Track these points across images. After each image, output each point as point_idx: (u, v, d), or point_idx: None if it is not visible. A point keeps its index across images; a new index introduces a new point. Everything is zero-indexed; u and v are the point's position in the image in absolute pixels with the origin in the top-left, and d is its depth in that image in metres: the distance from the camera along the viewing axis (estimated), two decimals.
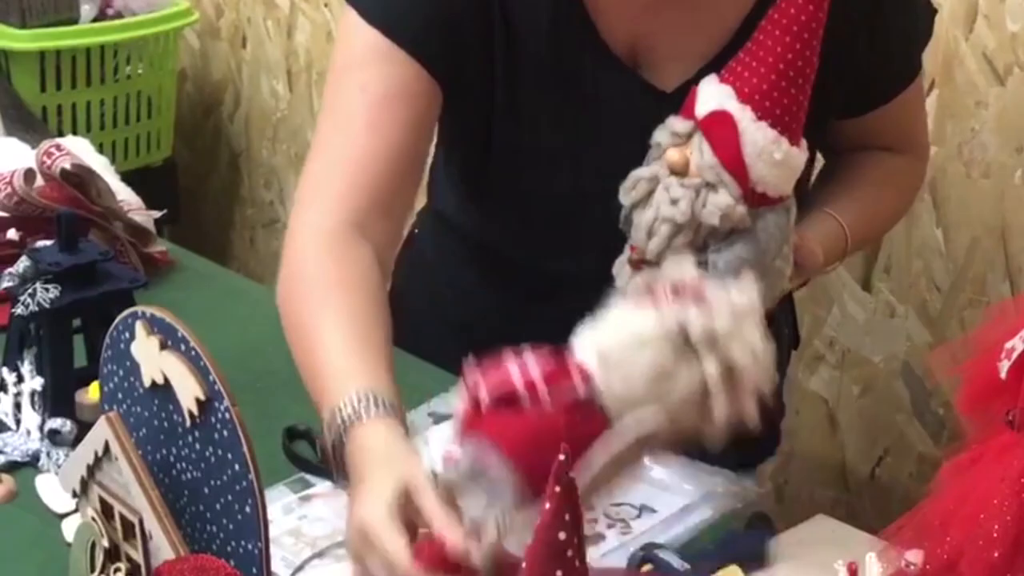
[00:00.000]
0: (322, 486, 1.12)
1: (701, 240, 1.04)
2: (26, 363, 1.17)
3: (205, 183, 2.78)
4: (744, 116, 1.02)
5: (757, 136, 1.02)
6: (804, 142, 1.06)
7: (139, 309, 0.87)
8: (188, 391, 0.81)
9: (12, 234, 1.48)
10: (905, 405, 1.79)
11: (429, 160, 1.28)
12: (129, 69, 2.40)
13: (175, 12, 2.43)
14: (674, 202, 1.03)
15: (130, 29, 2.35)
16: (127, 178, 1.67)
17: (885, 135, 1.30)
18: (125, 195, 1.61)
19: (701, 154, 1.03)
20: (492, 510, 0.84)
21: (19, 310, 1.14)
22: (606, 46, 1.17)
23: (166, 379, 0.83)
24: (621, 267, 1.09)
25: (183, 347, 0.83)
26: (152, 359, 0.83)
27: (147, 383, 0.85)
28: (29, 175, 1.47)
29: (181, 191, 2.63)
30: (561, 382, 0.86)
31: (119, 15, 2.37)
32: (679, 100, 1.09)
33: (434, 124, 1.20)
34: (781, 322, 1.35)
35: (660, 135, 1.06)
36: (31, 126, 2.03)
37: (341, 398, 0.97)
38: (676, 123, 1.05)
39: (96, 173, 1.51)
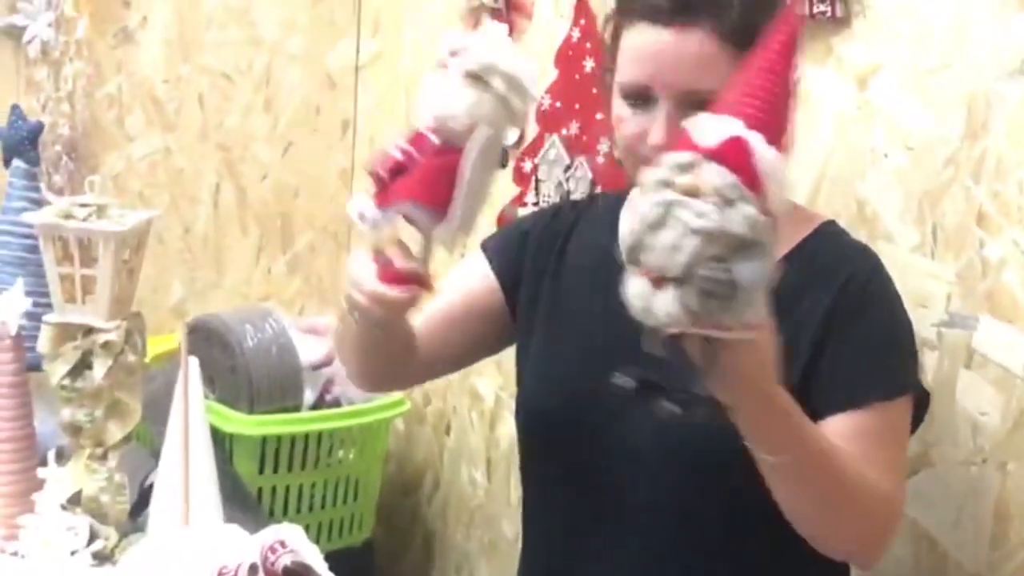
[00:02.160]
0: None
1: (727, 255, 1.08)
2: None
3: (399, 564, 2.83)
4: (756, 141, 1.09)
5: (769, 157, 1.09)
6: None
7: None
8: None
9: None
10: None
11: None
12: (341, 454, 2.50)
13: (389, 402, 2.55)
14: (700, 215, 1.06)
15: (347, 418, 2.48)
16: (328, 559, 1.73)
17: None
18: None
19: (718, 177, 1.07)
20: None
21: None
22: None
23: None
24: (640, 292, 1.10)
25: None
26: None
27: None
28: (253, 570, 1.53)
29: (376, 569, 2.69)
30: (422, 142, 1.33)
31: (336, 402, 2.50)
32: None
33: (492, 318, 1.65)
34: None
35: (658, 172, 1.10)
36: (248, 509, 2.12)
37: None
38: (677, 156, 1.10)
39: (314, 570, 1.57)
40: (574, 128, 2.33)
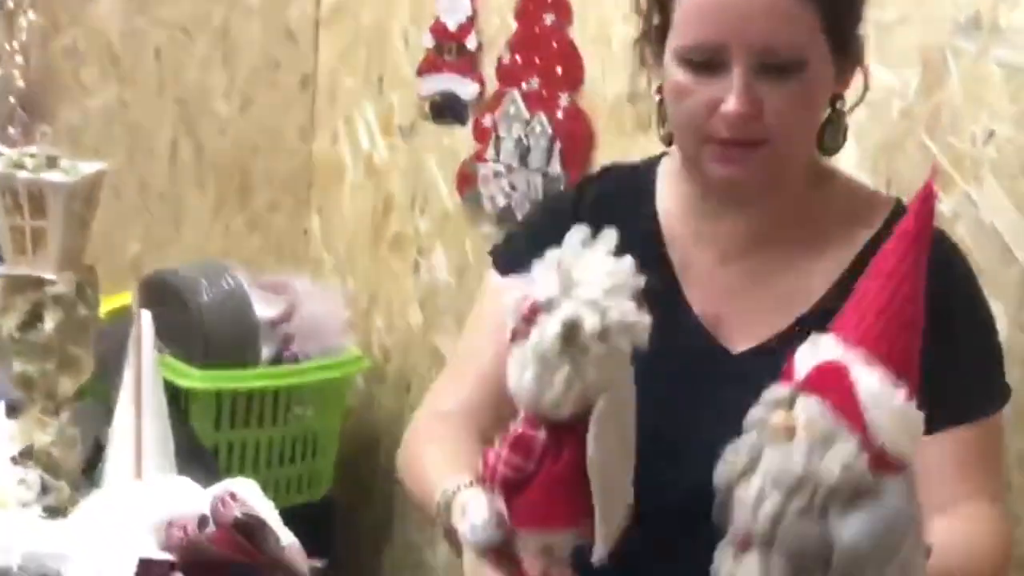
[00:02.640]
0: None
1: (819, 506, 0.90)
2: None
3: (358, 521, 2.83)
4: (854, 361, 0.92)
5: (871, 381, 0.91)
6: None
7: None
8: None
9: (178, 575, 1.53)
10: None
11: None
12: (299, 411, 2.50)
13: (348, 359, 2.55)
14: (784, 462, 0.90)
15: (305, 374, 2.47)
16: (285, 513, 1.72)
17: (942, 475, 1.20)
18: (288, 541, 1.66)
19: (809, 410, 0.91)
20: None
21: None
22: (686, 305, 1.33)
23: None
24: (723, 553, 0.96)
25: None
26: None
27: None
28: (203, 521, 1.53)
29: (335, 526, 2.68)
30: (528, 446, 1.03)
31: (294, 359, 2.49)
32: (744, 362, 1.24)
33: None
34: None
35: (757, 410, 0.96)
36: (202, 464, 2.12)
37: (439, 492, 1.18)
38: (774, 391, 0.96)
39: (266, 523, 1.56)
40: (534, 83, 2.32)
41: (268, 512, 1.68)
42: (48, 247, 1.55)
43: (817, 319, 1.14)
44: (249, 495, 1.68)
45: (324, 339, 2.51)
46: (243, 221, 2.93)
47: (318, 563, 1.65)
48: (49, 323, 1.58)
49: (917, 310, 0.94)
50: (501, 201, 2.40)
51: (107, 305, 1.79)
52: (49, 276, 1.55)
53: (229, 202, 2.90)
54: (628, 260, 1.03)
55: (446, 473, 1.21)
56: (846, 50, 1.27)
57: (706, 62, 1.22)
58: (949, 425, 1.21)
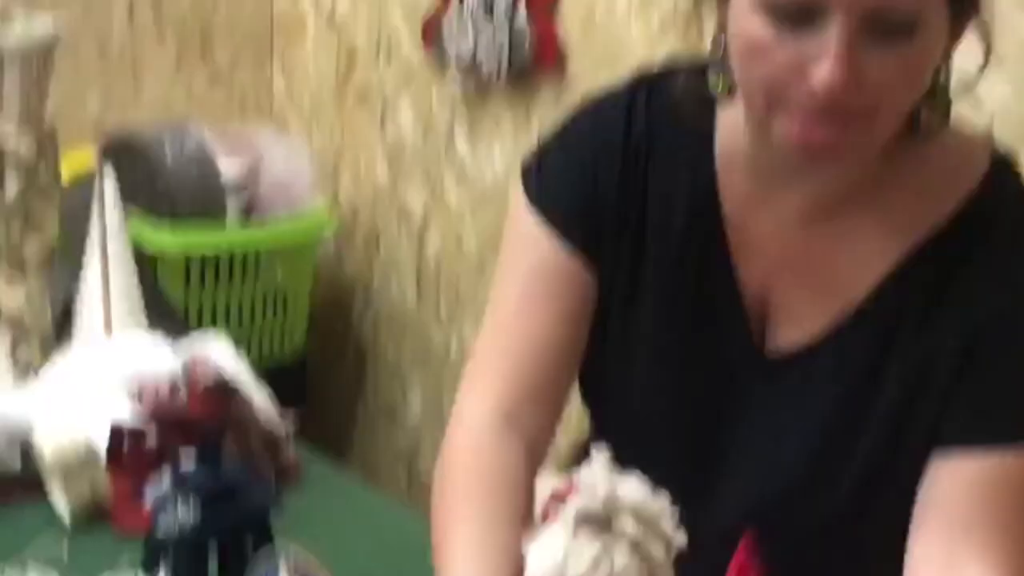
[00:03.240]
0: None
1: None
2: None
3: (332, 377, 2.85)
4: None
5: None
6: None
7: (283, 551, 0.90)
8: None
9: (152, 439, 1.54)
10: None
11: None
12: (268, 269, 2.49)
13: (316, 217, 2.53)
14: None
15: (272, 232, 2.46)
16: (259, 372, 1.73)
17: (964, 513, 1.03)
18: (260, 400, 1.67)
19: None
20: None
21: (159, 530, 1.19)
22: (735, 286, 1.13)
23: None
24: None
25: None
26: None
27: None
28: (174, 385, 1.53)
29: (309, 384, 2.71)
30: None
31: (262, 218, 2.48)
32: (785, 370, 1.09)
33: (588, 312, 1.17)
34: None
35: None
36: (173, 323, 2.12)
37: None
38: None
39: (238, 386, 1.57)
40: None
41: (240, 369, 1.69)
42: (4, 110, 1.52)
43: (869, 312, 1.07)
44: (221, 352, 1.69)
45: (291, 196, 2.49)
46: (205, 77, 2.88)
47: (290, 423, 1.67)
48: (11, 186, 1.56)
49: None
50: (467, 54, 2.37)
51: (69, 163, 1.77)
52: (9, 140, 1.53)
53: (190, 58, 2.85)
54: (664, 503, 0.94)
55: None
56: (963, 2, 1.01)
57: (798, 13, 0.96)
58: (989, 442, 1.04)
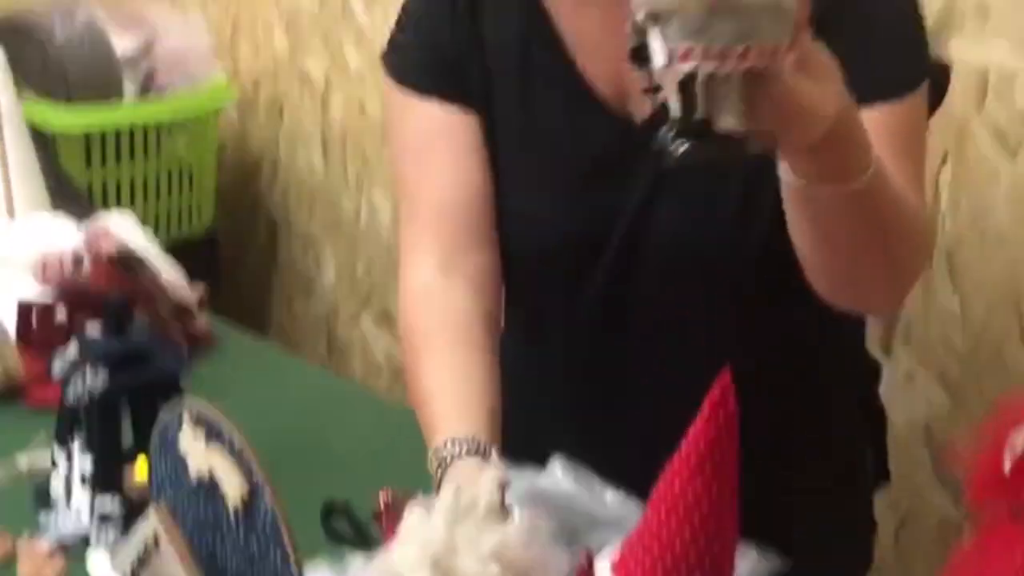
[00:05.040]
0: (360, 560, 1.16)
1: None
2: (76, 444, 1.23)
3: (244, 251, 2.85)
4: None
5: None
6: None
7: (186, 404, 0.93)
8: (234, 488, 0.87)
9: (60, 314, 1.55)
10: (926, 469, 1.83)
11: None
12: (171, 144, 2.48)
13: (215, 89, 2.51)
14: None
15: (172, 106, 2.44)
16: (169, 249, 1.74)
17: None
18: (168, 272, 1.68)
19: None
20: None
21: (69, 398, 1.20)
22: (580, 80, 1.19)
23: (211, 474, 0.89)
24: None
25: (228, 443, 0.89)
26: (198, 454, 0.90)
27: (193, 477, 0.91)
28: (78, 258, 1.53)
29: (221, 260, 2.71)
30: None
31: (161, 89, 2.45)
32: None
33: (481, 148, 1.23)
34: (865, 455, 1.37)
35: None
36: (76, 202, 2.11)
37: (438, 443, 1.07)
38: None
39: (142, 256, 1.57)
40: None
41: (146, 245, 1.69)
42: None
43: None
44: (125, 228, 1.69)
45: (189, 69, 2.46)
46: None
47: (199, 291, 1.67)
48: None
49: (703, 551, 0.89)
50: None
51: None
52: None
53: None
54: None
55: (449, 415, 1.11)
56: None
57: None
58: (876, 100, 1.09)
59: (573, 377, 1.30)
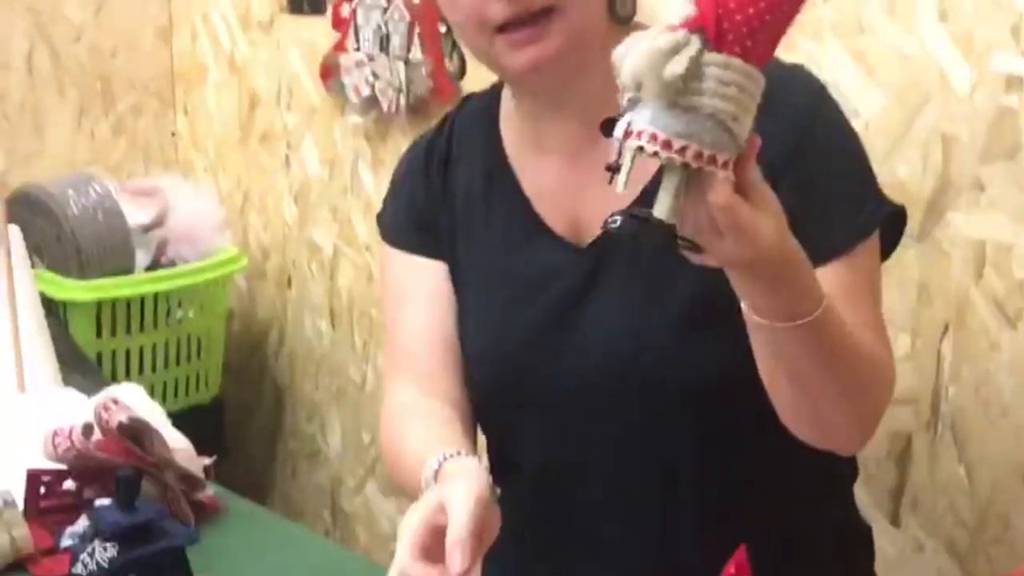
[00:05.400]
0: None
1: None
2: None
3: (250, 418, 2.86)
4: None
5: None
6: None
7: None
8: None
9: (69, 485, 1.55)
10: None
11: None
12: (180, 313, 2.50)
13: (226, 259, 2.55)
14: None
15: (183, 277, 2.47)
16: (176, 417, 1.74)
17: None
18: (176, 441, 1.68)
19: None
20: None
21: (79, 571, 1.20)
22: (543, 222, 1.28)
23: None
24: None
25: None
26: None
27: None
28: (87, 429, 1.54)
29: (227, 426, 2.71)
30: None
31: (172, 263, 2.49)
32: (594, 253, 1.24)
33: (450, 293, 1.34)
34: None
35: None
36: (86, 373, 2.12)
37: (423, 471, 1.15)
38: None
39: (151, 426, 1.58)
40: None
41: (154, 414, 1.70)
42: None
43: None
44: (134, 399, 1.70)
45: (200, 240, 2.50)
46: (108, 127, 2.89)
47: (208, 460, 1.68)
48: None
49: None
50: (365, 90, 2.40)
51: None
52: None
53: (92, 109, 2.86)
54: None
55: (432, 447, 1.18)
56: None
57: None
58: (829, 259, 1.14)
59: (540, 520, 1.34)
